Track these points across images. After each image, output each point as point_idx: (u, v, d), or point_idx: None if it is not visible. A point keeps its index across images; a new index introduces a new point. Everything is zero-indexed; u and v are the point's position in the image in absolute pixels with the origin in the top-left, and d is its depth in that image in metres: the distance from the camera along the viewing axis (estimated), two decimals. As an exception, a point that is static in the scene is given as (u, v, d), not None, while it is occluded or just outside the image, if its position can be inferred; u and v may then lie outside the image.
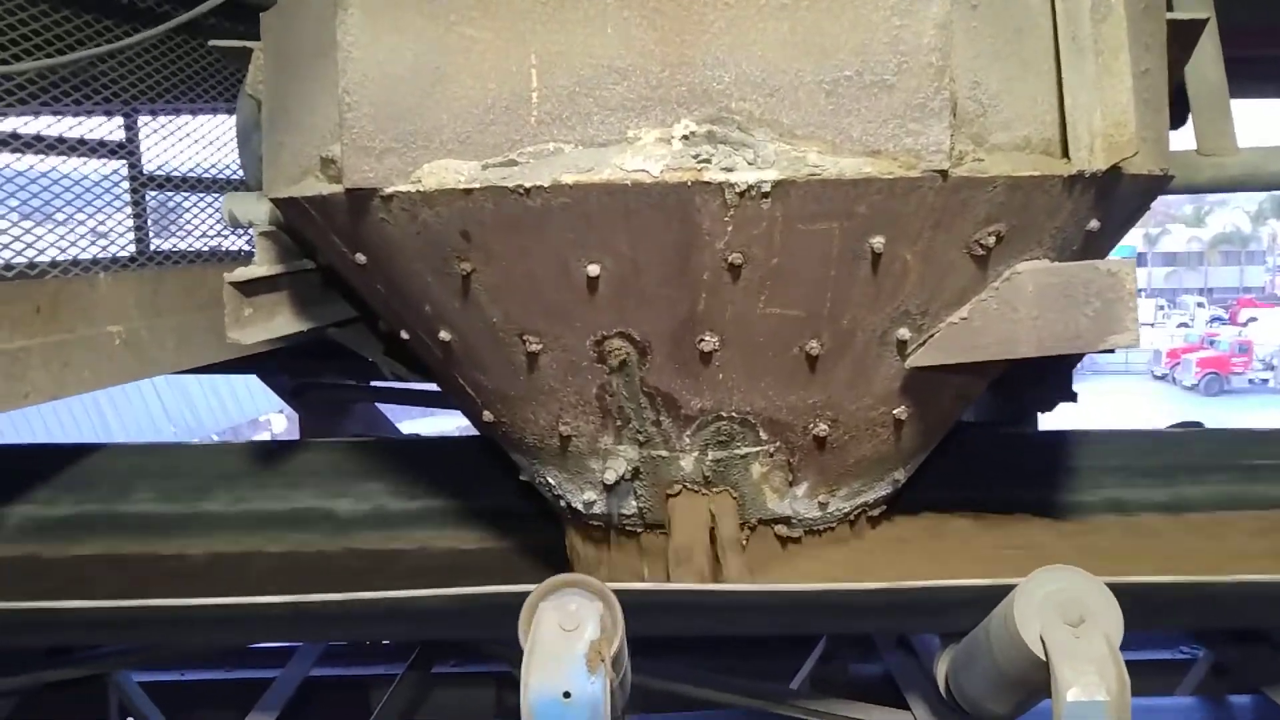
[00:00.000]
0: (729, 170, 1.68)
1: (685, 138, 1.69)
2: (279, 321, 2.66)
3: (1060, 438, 3.12)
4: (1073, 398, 3.13)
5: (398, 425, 6.48)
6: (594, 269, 1.82)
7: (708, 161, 1.68)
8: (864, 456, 2.23)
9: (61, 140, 4.03)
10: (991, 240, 1.86)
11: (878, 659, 3.62)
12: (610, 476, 2.14)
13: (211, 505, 3.27)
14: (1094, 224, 2.03)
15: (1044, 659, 1.78)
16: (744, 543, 2.28)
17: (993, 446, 3.07)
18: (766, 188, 1.68)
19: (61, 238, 3.40)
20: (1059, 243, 2.00)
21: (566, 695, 1.83)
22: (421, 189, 1.81)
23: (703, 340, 1.91)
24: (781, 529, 2.33)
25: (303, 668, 3.48)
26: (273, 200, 2.24)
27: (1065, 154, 1.86)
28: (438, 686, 3.88)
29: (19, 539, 3.18)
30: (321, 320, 2.80)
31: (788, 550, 2.37)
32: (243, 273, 2.50)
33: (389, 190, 1.84)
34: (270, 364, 5.04)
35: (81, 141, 4.10)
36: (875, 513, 2.49)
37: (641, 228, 1.76)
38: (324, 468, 3.32)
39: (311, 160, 2.01)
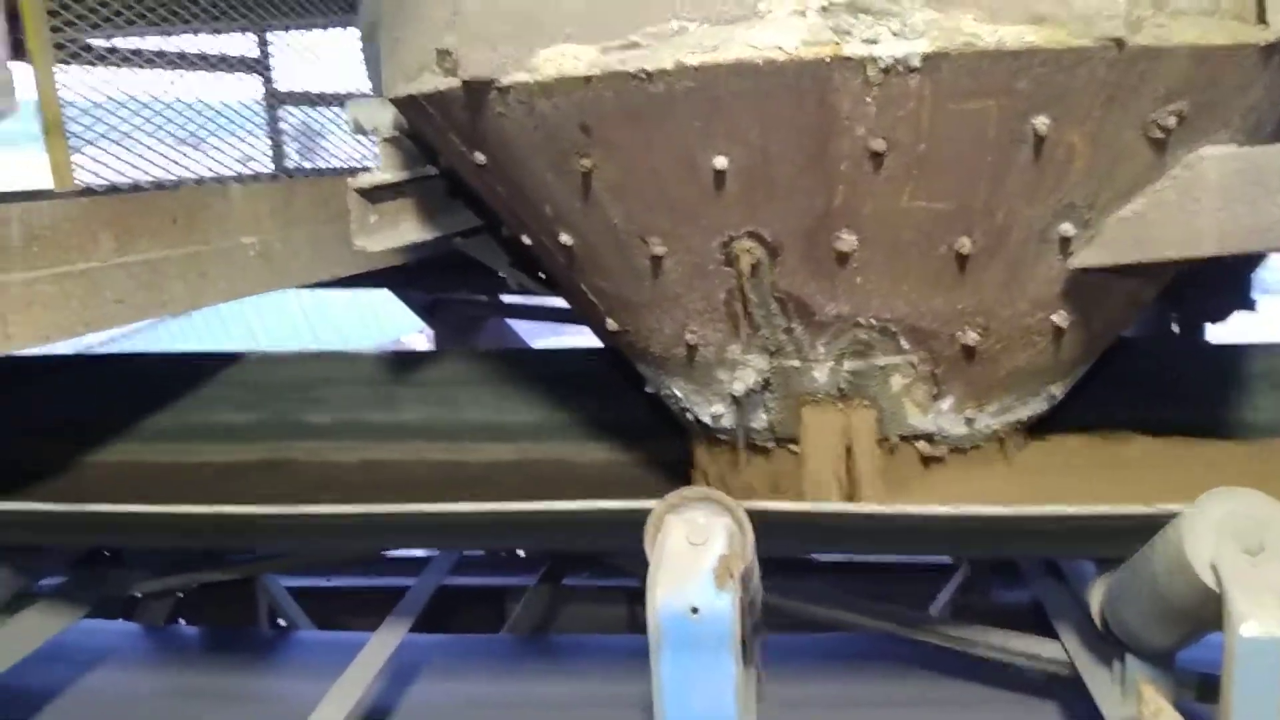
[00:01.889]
0: (872, 43, 1.51)
1: (823, 8, 1.52)
2: (404, 229, 2.63)
3: (1240, 351, 2.83)
4: (1251, 305, 2.82)
5: (529, 343, 6.53)
6: (721, 161, 1.69)
7: (848, 33, 1.51)
8: (1018, 368, 2.04)
9: (202, 56, 4.11)
10: (1172, 120, 1.63)
11: (1022, 585, 3.44)
12: (739, 388, 2.03)
13: (351, 414, 3.33)
14: (1295, 103, 1.77)
15: (1216, 589, 1.61)
16: (883, 460, 2.14)
17: (1160, 359, 2.80)
18: (915, 61, 1.50)
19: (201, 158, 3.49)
20: (1249, 125, 1.75)
21: (694, 611, 1.75)
22: (539, 78, 1.70)
23: (839, 239, 1.76)
24: (924, 446, 2.17)
25: (438, 576, 3.54)
26: (391, 100, 2.17)
27: (1261, 19, 1.60)
28: (570, 600, 3.91)
29: (168, 441, 3.32)
30: (448, 229, 2.76)
31: (930, 469, 2.22)
32: (367, 179, 2.46)
33: (506, 81, 1.74)
34: (403, 279, 5.11)
35: (220, 58, 4.18)
36: (1027, 430, 2.30)
37: (774, 112, 1.61)
38: (451, 378, 3.33)
39: (428, 54, 1.93)
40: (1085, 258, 1.80)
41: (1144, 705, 1.95)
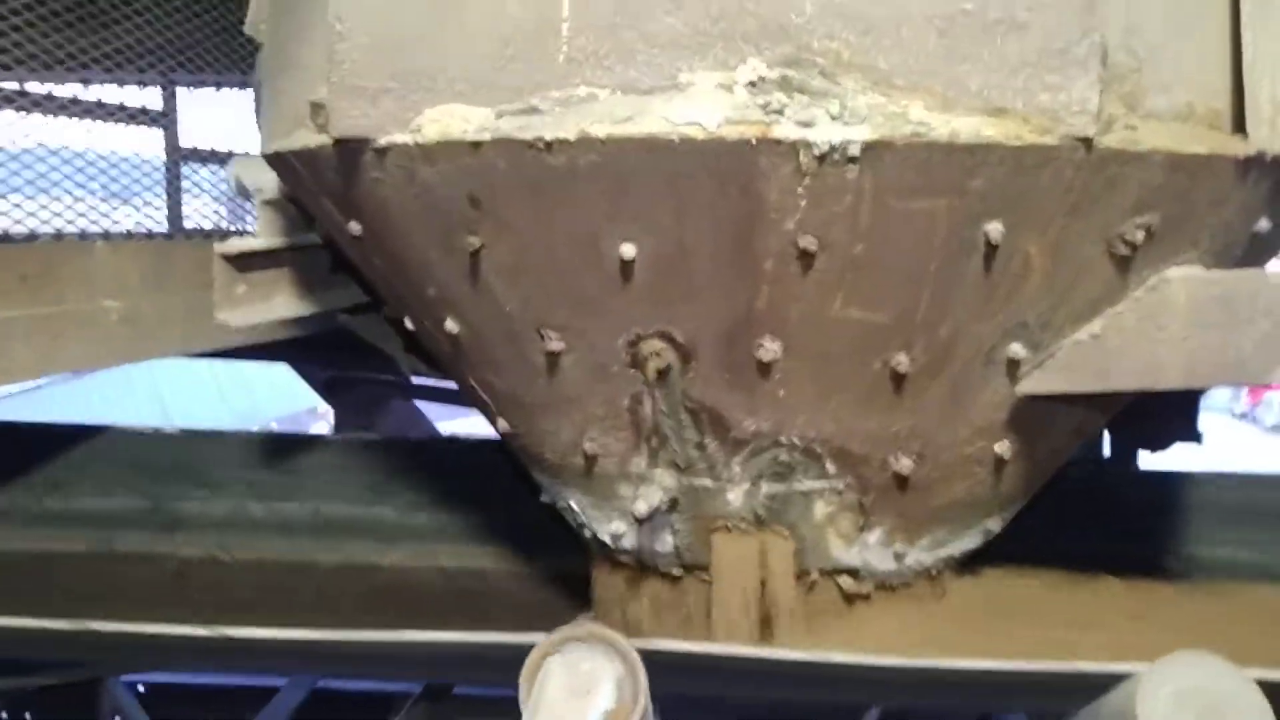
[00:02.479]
0: (806, 125, 1.29)
1: (752, 84, 1.31)
2: (277, 302, 2.33)
3: (1181, 481, 2.66)
4: (1197, 437, 2.66)
5: (436, 426, 6.19)
6: (629, 249, 1.45)
7: (779, 113, 1.29)
8: (954, 500, 1.82)
9: (100, 105, 3.81)
10: (1140, 235, 1.44)
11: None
12: (642, 508, 1.76)
13: (202, 503, 2.98)
14: (1263, 224, 1.61)
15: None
16: (801, 596, 1.89)
17: (1095, 488, 2.62)
18: (855, 150, 1.29)
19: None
20: (1218, 246, 1.58)
21: (571, 783, 1.46)
22: (422, 140, 1.46)
23: (761, 346, 1.53)
24: (847, 582, 1.92)
25: (309, 680, 3.16)
26: (264, 157, 1.91)
27: (1239, 128, 1.44)
28: (460, 712, 3.55)
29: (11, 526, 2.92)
30: (329, 304, 2.47)
31: (854, 608, 1.97)
32: (236, 244, 2.18)
33: (384, 141, 1.49)
34: (299, 352, 4.78)
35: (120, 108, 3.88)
36: (960, 565, 2.07)
37: (691, 198, 1.38)
38: (333, 468, 3.00)
39: (303, 108, 1.68)
40: (1034, 383, 1.60)
41: None
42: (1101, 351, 1.55)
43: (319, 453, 3.06)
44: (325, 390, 5.26)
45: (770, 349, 1.52)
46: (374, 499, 2.94)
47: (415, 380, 5.14)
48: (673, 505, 1.83)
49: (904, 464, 1.69)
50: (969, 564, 2.13)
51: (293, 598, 2.61)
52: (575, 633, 1.64)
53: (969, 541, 1.98)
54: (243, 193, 2.66)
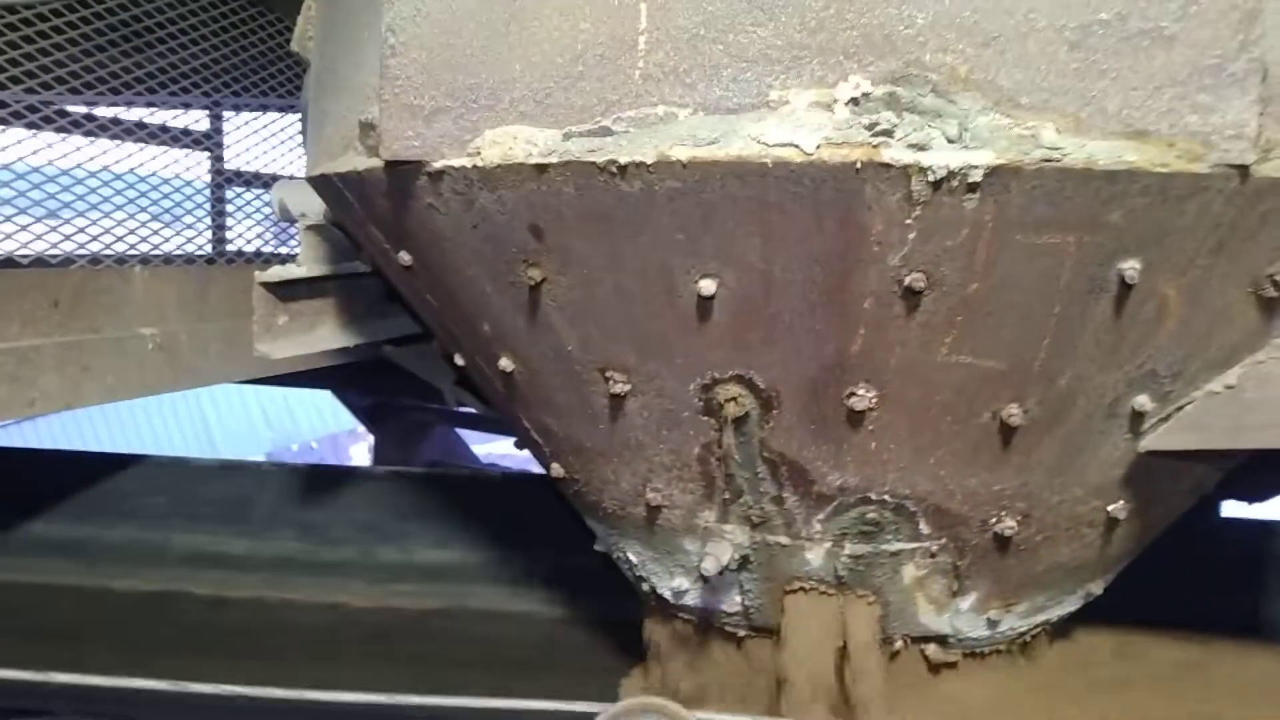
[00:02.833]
0: (920, 149, 1.14)
1: (854, 101, 1.16)
2: (320, 334, 2.21)
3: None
4: (1306, 491, 2.45)
5: (479, 456, 6.07)
6: (709, 285, 1.30)
7: (888, 134, 1.14)
8: (1058, 563, 1.64)
9: (141, 126, 3.74)
10: (1291, 277, 1.27)
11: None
12: (710, 565, 1.60)
13: (222, 540, 2.85)
14: None
15: None
16: (882, 665, 1.71)
17: (1203, 540, 2.41)
18: (976, 176, 1.13)
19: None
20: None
21: None
22: (480, 163, 1.32)
23: (854, 395, 1.37)
24: (933, 650, 1.75)
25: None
26: (309, 181, 1.79)
27: None
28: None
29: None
30: (375, 336, 2.34)
31: (938, 677, 1.79)
32: (277, 272, 2.06)
33: (438, 164, 1.35)
34: (342, 379, 4.68)
35: (163, 129, 3.81)
36: (1051, 629, 1.89)
37: (781, 229, 1.23)
38: (366, 502, 2.87)
39: (353, 129, 1.55)
40: (1161, 439, 1.42)
41: None
42: (1237, 405, 1.38)
43: (353, 484, 2.94)
44: (367, 417, 5.16)
45: (864, 397, 1.36)
46: (407, 536, 2.81)
47: (460, 408, 5.03)
48: (743, 563, 1.67)
49: (1007, 525, 1.52)
50: (1062, 626, 1.95)
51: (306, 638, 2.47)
52: (634, 706, 1.49)
53: (1068, 606, 1.80)
54: (286, 217, 2.55)
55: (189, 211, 3.75)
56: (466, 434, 5.98)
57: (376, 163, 1.44)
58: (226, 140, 4.10)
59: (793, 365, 1.37)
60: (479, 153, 1.32)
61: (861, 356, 1.33)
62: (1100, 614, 2.00)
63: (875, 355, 1.32)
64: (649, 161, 1.22)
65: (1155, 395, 1.38)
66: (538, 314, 1.47)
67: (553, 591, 2.69)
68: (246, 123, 4.04)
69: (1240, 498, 2.68)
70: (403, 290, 1.81)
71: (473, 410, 4.63)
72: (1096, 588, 1.79)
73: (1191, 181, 1.15)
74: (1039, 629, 1.82)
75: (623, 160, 1.23)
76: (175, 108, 3.97)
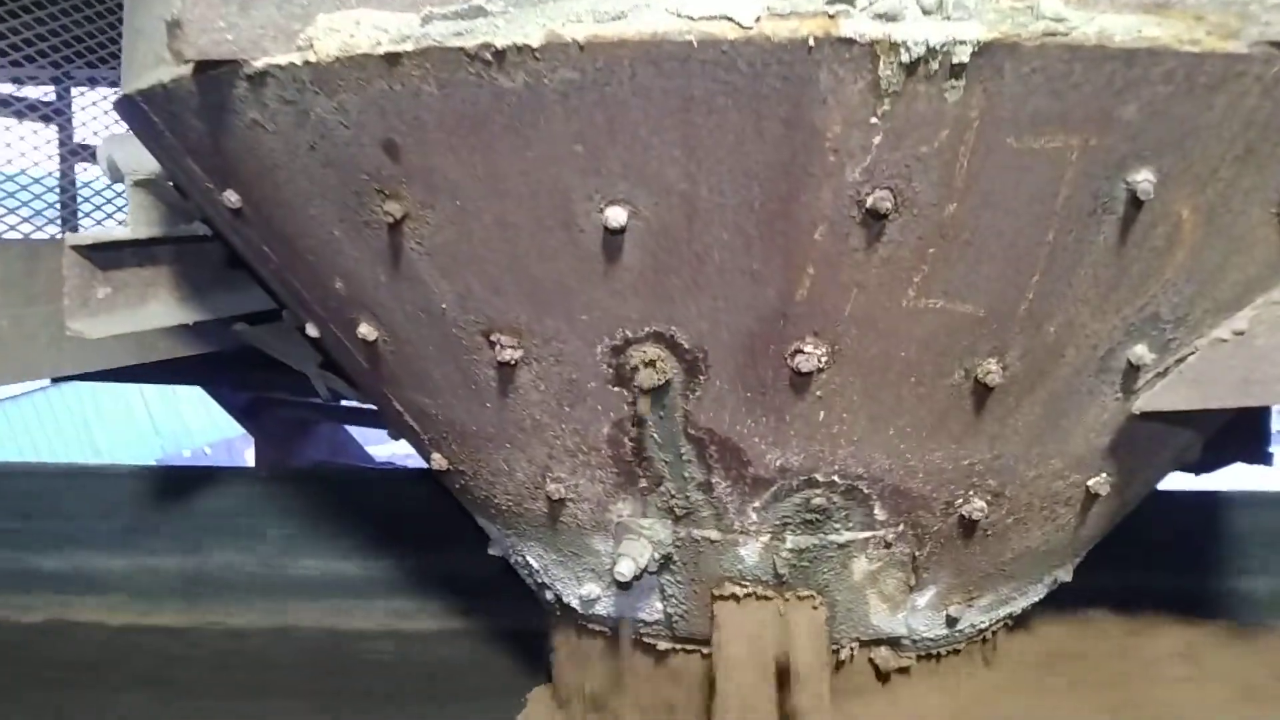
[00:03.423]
0: (889, 20, 0.87)
1: (802, -38, 0.89)
2: (152, 310, 1.84)
3: (1234, 502, 2.29)
4: (1265, 459, 2.29)
5: (370, 454, 5.66)
6: (617, 215, 1.01)
7: (848, 2, 0.87)
8: (1028, 549, 1.41)
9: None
10: (1325, 194, 1.05)
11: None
12: (626, 569, 1.32)
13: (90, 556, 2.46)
14: None
15: None
16: (829, 675, 1.46)
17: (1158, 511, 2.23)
18: (961, 56, 0.87)
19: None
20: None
21: None
22: (314, 59, 1.01)
23: (800, 353, 1.10)
24: (884, 654, 1.51)
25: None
26: (115, 108, 1.44)
27: None
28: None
29: None
30: (221, 311, 1.99)
31: (888, 684, 1.55)
32: (93, 234, 1.71)
33: (260, 63, 1.03)
34: (213, 373, 4.24)
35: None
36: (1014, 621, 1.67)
37: (710, 134, 0.95)
38: (247, 508, 2.50)
39: (161, 38, 1.21)
40: (1156, 398, 1.19)
41: None
42: (1247, 354, 1.16)
43: (234, 487, 2.57)
44: (244, 415, 4.71)
45: (812, 355, 1.09)
46: (287, 546, 2.46)
47: (345, 403, 4.64)
48: (665, 564, 1.39)
49: (975, 506, 1.27)
50: (1022, 618, 1.73)
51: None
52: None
53: (1033, 596, 1.57)
54: (116, 175, 2.17)
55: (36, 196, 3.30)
56: (362, 432, 5.57)
57: (184, 70, 1.11)
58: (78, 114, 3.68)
59: (724, 317, 1.09)
60: (311, 45, 1.00)
61: (809, 304, 1.06)
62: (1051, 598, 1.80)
63: (826, 301, 1.05)
64: (534, 45, 0.92)
65: (1154, 345, 1.15)
66: (400, 262, 1.16)
67: (445, 601, 2.38)
68: (105, 97, 3.61)
69: (1186, 469, 2.53)
70: (236, 244, 1.47)
71: (355, 402, 4.25)
72: (1065, 574, 1.57)
73: (1224, 65, 0.91)
74: (1000, 624, 1.59)
75: (500, 44, 0.93)
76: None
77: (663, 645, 1.55)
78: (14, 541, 2.45)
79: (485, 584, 2.22)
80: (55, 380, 2.85)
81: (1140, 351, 1.15)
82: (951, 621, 1.48)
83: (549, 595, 1.61)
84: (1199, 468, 2.48)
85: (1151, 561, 2.26)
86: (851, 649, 1.48)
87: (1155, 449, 1.35)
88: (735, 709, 1.40)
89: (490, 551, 1.72)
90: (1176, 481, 2.71)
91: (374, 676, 2.15)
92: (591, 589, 1.51)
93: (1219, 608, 2.21)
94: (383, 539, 2.43)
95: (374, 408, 3.71)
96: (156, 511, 2.48)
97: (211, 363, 3.26)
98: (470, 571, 2.23)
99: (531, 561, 1.57)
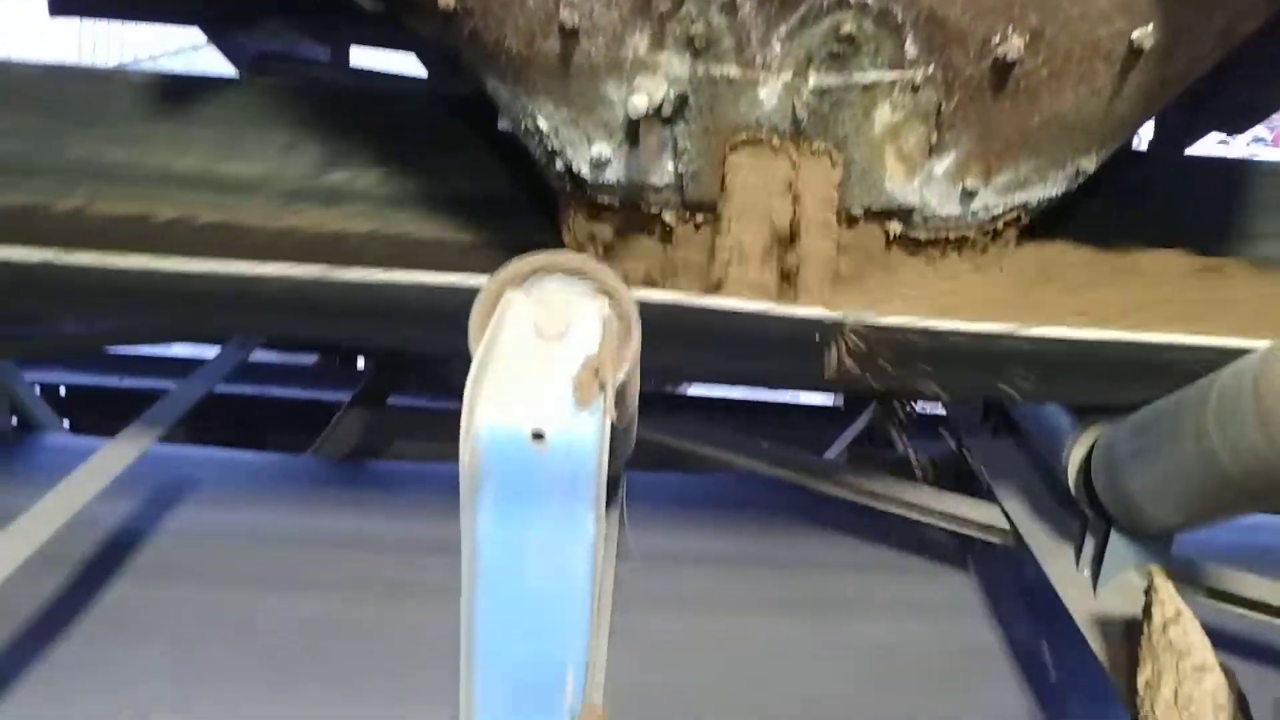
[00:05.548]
0: None
1: None
2: None
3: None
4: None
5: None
6: None
7: None
8: (1058, 114, 1.36)
9: None
10: None
11: (934, 438, 2.93)
12: (640, 102, 1.28)
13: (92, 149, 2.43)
14: None
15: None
16: (835, 239, 1.46)
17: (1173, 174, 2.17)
18: None
19: None
20: None
21: (538, 438, 1.08)
22: None
23: None
24: (894, 227, 1.50)
25: (217, 372, 2.74)
26: None
27: None
28: (398, 424, 3.21)
29: None
30: None
31: (894, 261, 1.55)
32: None
33: None
34: (221, 14, 4.05)
35: None
36: (1025, 222, 1.65)
37: None
38: (232, 115, 2.44)
39: None
40: (1227, -84, 1.10)
41: (1157, 601, 1.38)
42: None
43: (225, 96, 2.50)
44: (253, 69, 4.52)
45: None
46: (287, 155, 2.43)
47: (357, 64, 4.48)
48: (679, 108, 1.35)
49: (1013, 45, 1.21)
50: (1029, 231, 1.71)
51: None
52: (545, 261, 1.21)
53: (1052, 186, 1.54)
54: None
55: None
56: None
57: None
58: None
59: None
60: None
61: None
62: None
63: None
64: None
65: None
66: None
67: (458, 217, 2.37)
68: None
69: (1219, 127, 2.45)
70: None
71: (377, 68, 4.07)
72: (1088, 163, 1.52)
73: None
74: (1015, 214, 1.57)
75: None
76: None
77: (670, 218, 1.55)
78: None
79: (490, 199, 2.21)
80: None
81: None
82: (967, 197, 1.46)
83: (559, 166, 1.58)
84: (1234, 127, 2.41)
85: (1173, 224, 2.24)
86: (862, 217, 1.47)
87: (1202, 11, 1.27)
88: (740, 260, 1.41)
89: (500, 126, 1.68)
90: (1205, 146, 2.65)
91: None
92: (602, 149, 1.48)
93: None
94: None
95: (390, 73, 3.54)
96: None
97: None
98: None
99: (541, 125, 1.53)
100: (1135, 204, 2.13)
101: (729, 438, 2.19)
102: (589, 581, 1.13)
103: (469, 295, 1.16)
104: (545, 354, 1.10)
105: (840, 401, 4.25)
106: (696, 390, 4.22)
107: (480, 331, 1.13)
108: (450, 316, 1.17)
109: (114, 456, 1.94)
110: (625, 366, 1.15)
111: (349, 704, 1.67)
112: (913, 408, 2.93)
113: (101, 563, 2.04)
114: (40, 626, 1.80)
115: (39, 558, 1.62)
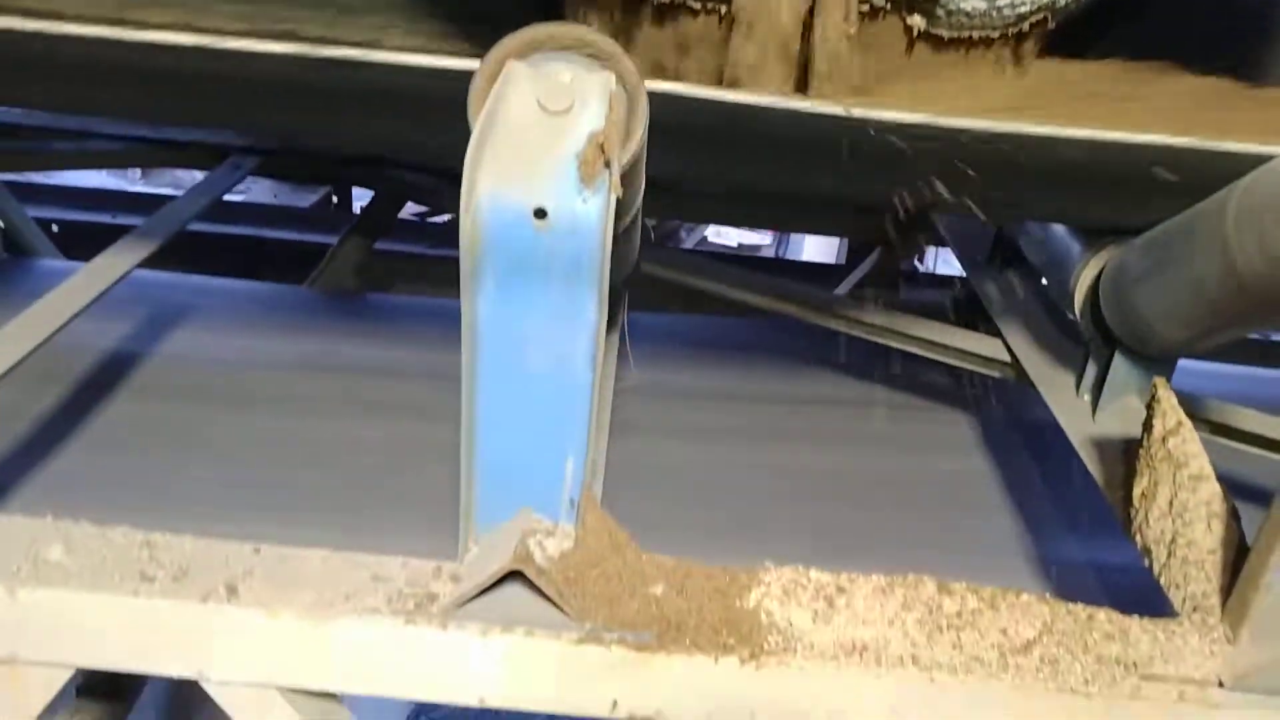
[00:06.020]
0: None
1: None
2: None
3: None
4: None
5: None
6: None
7: None
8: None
9: None
10: None
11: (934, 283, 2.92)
12: None
13: None
14: None
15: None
16: (855, 35, 1.38)
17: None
18: None
19: None
20: None
21: (541, 215, 1.04)
22: None
23: None
24: (917, 21, 1.42)
25: (206, 193, 2.63)
26: None
27: None
28: (392, 266, 3.16)
29: None
30: None
31: (913, 60, 1.47)
32: None
33: None
34: None
35: None
36: (1051, 26, 1.56)
37: None
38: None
39: None
40: None
41: (1159, 412, 1.36)
42: None
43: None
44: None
45: None
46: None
47: None
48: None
49: None
50: (1054, 48, 1.63)
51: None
52: (548, 33, 1.14)
53: (1081, -14, 1.45)
54: None
55: None
56: None
57: None
58: None
59: None
60: None
61: None
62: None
63: None
64: None
65: None
66: None
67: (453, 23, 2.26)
68: None
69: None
70: None
71: None
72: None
73: None
74: (1041, 13, 1.48)
75: None
76: None
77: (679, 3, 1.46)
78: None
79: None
80: None
81: None
82: (994, -10, 1.38)
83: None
84: None
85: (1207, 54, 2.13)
86: (884, 8, 1.39)
87: None
88: (755, 49, 1.34)
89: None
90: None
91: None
92: (609, -69, 1.38)
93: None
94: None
95: None
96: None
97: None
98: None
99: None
100: (1167, 29, 2.03)
101: (735, 273, 2.15)
102: (590, 369, 1.11)
103: (466, 79, 1.10)
104: (548, 129, 1.04)
105: (843, 257, 4.20)
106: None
107: (480, 104, 1.07)
108: (447, 103, 1.11)
109: (103, 270, 1.89)
110: (632, 145, 1.10)
111: (341, 514, 1.67)
112: (921, 251, 2.88)
113: (95, 381, 2.02)
114: (36, 440, 1.79)
115: (34, 373, 1.59)
